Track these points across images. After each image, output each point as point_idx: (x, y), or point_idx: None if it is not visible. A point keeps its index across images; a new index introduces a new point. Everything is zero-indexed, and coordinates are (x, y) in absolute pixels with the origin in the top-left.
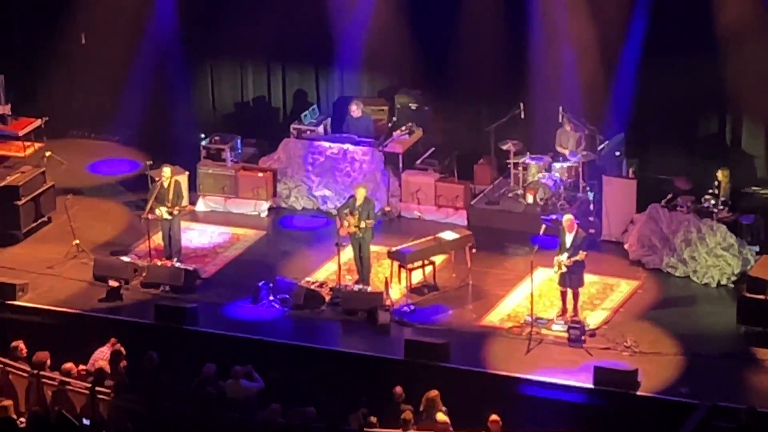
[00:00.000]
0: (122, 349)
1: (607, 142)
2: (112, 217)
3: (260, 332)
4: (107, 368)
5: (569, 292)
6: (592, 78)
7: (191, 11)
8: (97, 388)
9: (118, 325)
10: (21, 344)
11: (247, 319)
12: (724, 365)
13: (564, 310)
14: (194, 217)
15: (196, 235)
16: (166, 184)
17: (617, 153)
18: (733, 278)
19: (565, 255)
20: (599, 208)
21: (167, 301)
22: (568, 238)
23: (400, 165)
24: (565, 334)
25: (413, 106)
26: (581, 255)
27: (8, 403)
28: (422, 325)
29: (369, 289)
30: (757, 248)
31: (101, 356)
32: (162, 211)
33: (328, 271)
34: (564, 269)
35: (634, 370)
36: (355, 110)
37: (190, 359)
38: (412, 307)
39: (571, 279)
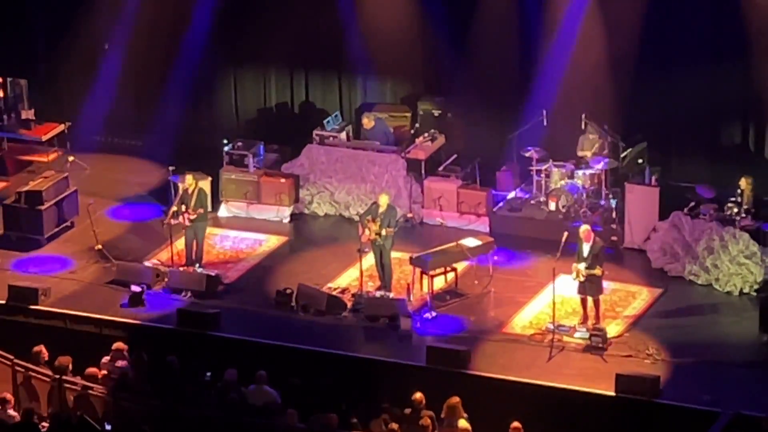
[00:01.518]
0: (125, 351)
1: (629, 149)
2: (135, 222)
3: (282, 338)
4: (130, 372)
5: (589, 299)
6: (615, 85)
7: (215, 18)
8: (119, 393)
9: (140, 330)
10: (43, 349)
11: None
12: (746, 373)
13: (585, 318)
14: (217, 222)
15: (218, 241)
16: (189, 191)
17: (640, 160)
18: (756, 286)
19: (583, 264)
20: (622, 215)
21: (189, 306)
22: (586, 248)
23: (423, 171)
24: (587, 342)
25: (436, 112)
26: (598, 270)
27: (31, 406)
28: (444, 332)
29: (391, 295)
30: None
31: (106, 366)
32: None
33: (350, 278)
34: (582, 278)
35: (655, 378)
36: (367, 123)
37: (212, 365)
38: (434, 314)
39: (589, 288)
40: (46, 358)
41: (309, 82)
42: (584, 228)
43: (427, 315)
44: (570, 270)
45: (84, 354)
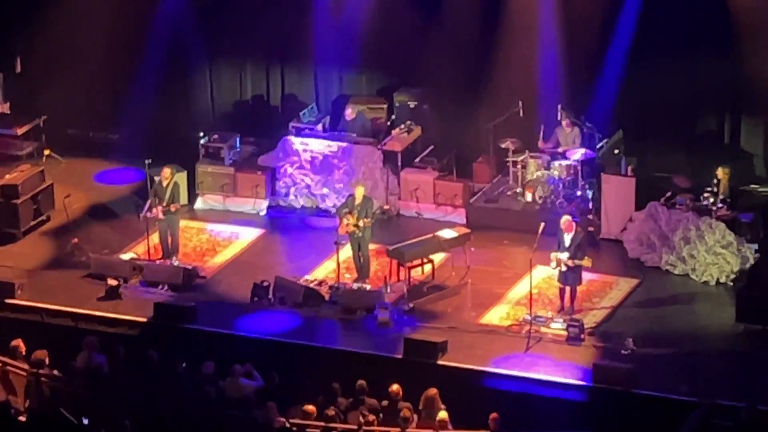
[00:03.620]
0: (96, 344)
1: (606, 140)
2: (111, 215)
3: (259, 331)
4: (105, 366)
5: (567, 289)
6: (591, 76)
7: (190, 10)
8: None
9: (117, 324)
10: (21, 343)
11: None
12: (723, 363)
13: (563, 307)
14: (193, 215)
15: (195, 234)
16: (164, 184)
17: (616, 151)
18: (732, 276)
19: (566, 254)
20: (598, 206)
21: (166, 299)
22: (567, 238)
23: (399, 163)
24: (564, 332)
25: (412, 104)
26: (587, 261)
27: (12, 398)
28: (421, 324)
29: (368, 287)
30: (756, 246)
31: (82, 360)
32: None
33: (327, 270)
34: (564, 268)
35: (632, 368)
36: (350, 113)
37: (189, 358)
38: (411, 305)
39: (571, 277)
40: (24, 353)
41: (285, 74)
42: (565, 218)
43: (404, 307)
44: (547, 261)
45: (60, 348)
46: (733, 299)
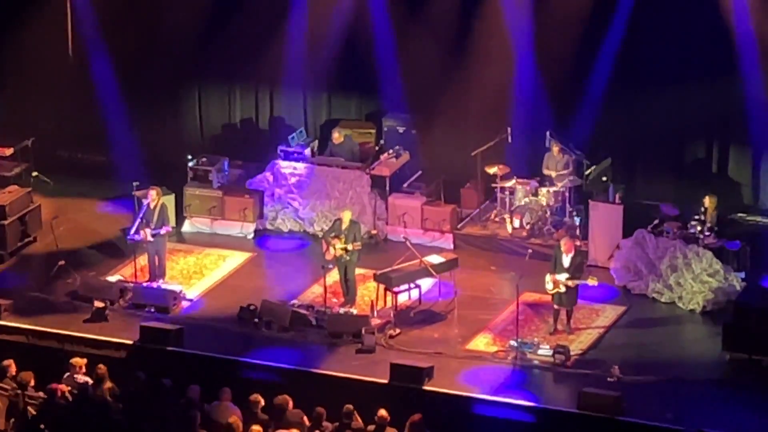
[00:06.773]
0: (83, 366)
1: (594, 167)
2: (98, 237)
3: (245, 354)
4: (90, 388)
5: (562, 311)
6: (580, 103)
7: (180, 33)
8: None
9: (103, 346)
10: (12, 363)
11: None
12: (709, 391)
13: (555, 329)
14: (181, 238)
15: (182, 256)
16: (152, 206)
17: (604, 178)
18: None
19: (564, 275)
20: (586, 233)
21: (152, 322)
22: (566, 259)
23: (387, 188)
24: (551, 359)
25: (400, 129)
26: (592, 280)
27: None
28: (407, 349)
29: (354, 312)
30: (742, 274)
31: (67, 381)
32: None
33: (313, 294)
34: (563, 289)
35: (618, 396)
36: (337, 137)
37: (175, 381)
38: (397, 331)
39: (566, 299)
40: (15, 374)
41: (274, 98)
42: (565, 239)
43: (391, 332)
44: (534, 287)
45: (46, 369)
46: (719, 328)
